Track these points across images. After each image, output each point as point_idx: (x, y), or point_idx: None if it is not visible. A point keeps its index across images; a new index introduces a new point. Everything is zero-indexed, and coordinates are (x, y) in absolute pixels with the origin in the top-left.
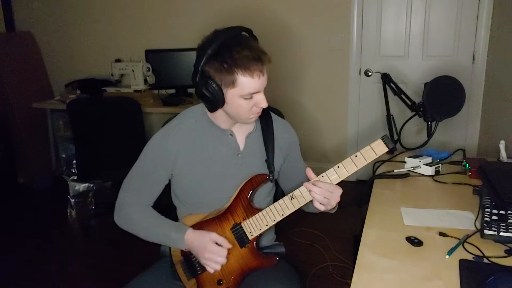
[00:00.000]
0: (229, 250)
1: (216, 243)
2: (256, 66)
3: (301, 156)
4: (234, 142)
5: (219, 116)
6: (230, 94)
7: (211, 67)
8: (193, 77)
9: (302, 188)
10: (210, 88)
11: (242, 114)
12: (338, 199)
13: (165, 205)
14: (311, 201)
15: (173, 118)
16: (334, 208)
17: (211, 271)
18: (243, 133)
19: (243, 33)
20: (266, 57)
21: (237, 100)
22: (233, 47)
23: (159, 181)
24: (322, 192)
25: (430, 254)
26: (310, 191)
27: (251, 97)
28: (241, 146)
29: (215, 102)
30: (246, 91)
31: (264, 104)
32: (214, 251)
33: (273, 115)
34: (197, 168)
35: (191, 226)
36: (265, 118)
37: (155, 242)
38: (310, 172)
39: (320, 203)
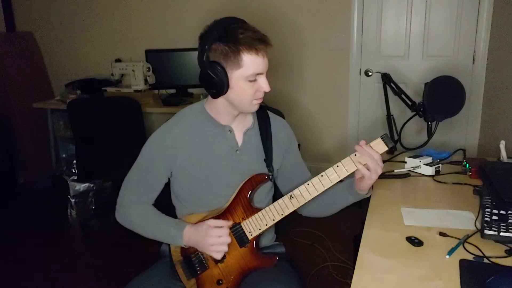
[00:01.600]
0: (229, 250)
1: (216, 227)
2: (261, 46)
3: (300, 155)
4: (233, 138)
5: (220, 109)
6: (235, 77)
7: (216, 50)
8: (200, 62)
9: (301, 188)
10: (216, 71)
11: (246, 99)
12: (381, 171)
13: (165, 205)
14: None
15: (172, 116)
16: (368, 191)
17: (219, 256)
18: (241, 129)
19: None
20: (268, 39)
21: (242, 83)
22: (237, 29)
23: (159, 179)
24: (370, 156)
25: (430, 254)
26: (365, 154)
27: (255, 80)
28: (239, 142)
29: (221, 85)
30: (251, 71)
31: (267, 88)
32: (216, 234)
33: (270, 113)
34: (196, 165)
35: None
36: (262, 116)
37: (155, 239)
38: (363, 142)
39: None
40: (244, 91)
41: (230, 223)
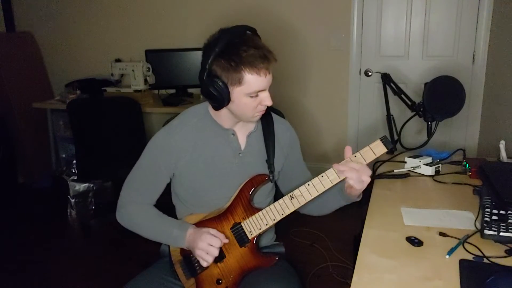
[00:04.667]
0: (229, 249)
1: (212, 235)
2: (263, 65)
3: (301, 157)
4: (236, 141)
5: (223, 115)
6: (236, 92)
7: (218, 65)
8: (200, 75)
9: (302, 188)
10: (216, 86)
11: (247, 112)
12: (369, 179)
13: (165, 204)
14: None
15: (175, 117)
16: (359, 195)
17: (204, 264)
18: (244, 132)
19: (248, 32)
20: (272, 56)
21: (243, 98)
22: (240, 45)
23: (161, 180)
24: (351, 169)
25: (430, 254)
26: (341, 171)
27: (257, 95)
28: (242, 145)
29: (221, 100)
30: (252, 89)
31: (269, 102)
32: (208, 241)
33: (274, 115)
34: (198, 167)
35: None
36: (266, 118)
37: (157, 240)
38: (348, 151)
39: (352, 181)
40: (246, 106)
41: (227, 240)
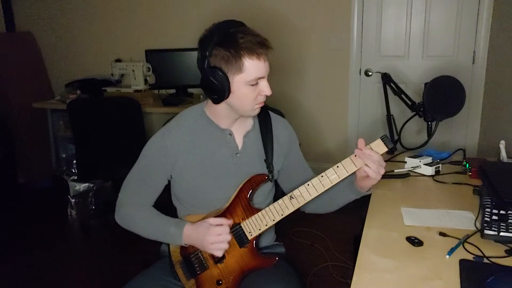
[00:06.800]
0: (228, 250)
1: (217, 225)
2: (262, 50)
3: (301, 154)
4: (233, 141)
5: (220, 113)
6: (237, 82)
7: (217, 55)
8: (200, 67)
9: (301, 188)
10: (217, 76)
11: (247, 104)
12: (383, 171)
13: (165, 205)
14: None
15: (172, 119)
16: (369, 189)
17: (220, 253)
18: (241, 132)
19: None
20: (268, 43)
21: (243, 88)
22: (237, 33)
23: (159, 182)
24: (372, 160)
25: (430, 254)
26: (365, 157)
27: (257, 83)
28: (240, 145)
29: (222, 91)
30: (253, 76)
31: (268, 91)
32: (217, 232)
33: (271, 114)
34: (196, 168)
35: None
36: (263, 117)
37: (155, 239)
38: (361, 143)
39: (371, 171)
40: (246, 96)
41: (231, 221)
